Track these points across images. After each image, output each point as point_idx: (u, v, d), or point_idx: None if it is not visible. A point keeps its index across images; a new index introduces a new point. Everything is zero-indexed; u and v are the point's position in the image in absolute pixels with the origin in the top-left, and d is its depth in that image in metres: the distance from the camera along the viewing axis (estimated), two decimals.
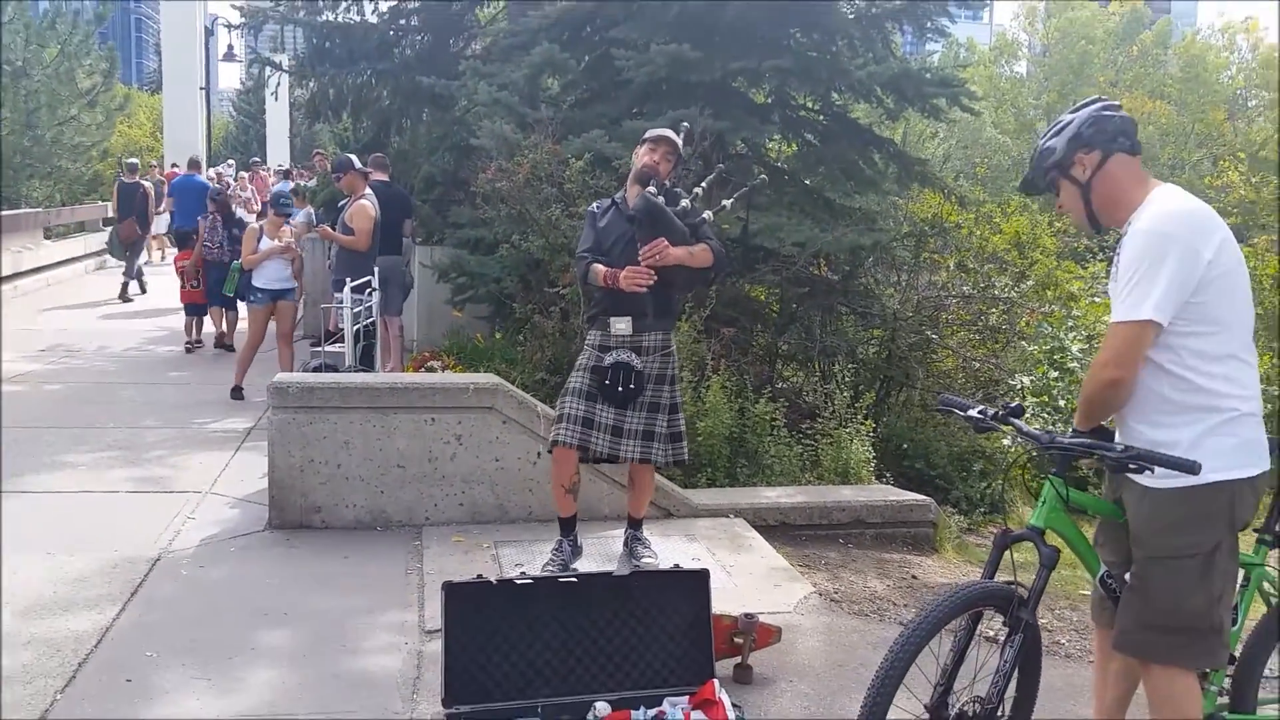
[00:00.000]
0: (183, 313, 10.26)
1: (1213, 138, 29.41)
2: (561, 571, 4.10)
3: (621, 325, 4.11)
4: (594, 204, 4.44)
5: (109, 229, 12.67)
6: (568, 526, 4.32)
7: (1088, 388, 2.59)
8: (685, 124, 4.86)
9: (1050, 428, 7.13)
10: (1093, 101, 2.63)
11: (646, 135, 4.30)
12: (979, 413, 2.73)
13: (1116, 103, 2.65)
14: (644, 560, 4.31)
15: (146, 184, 14.37)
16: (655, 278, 4.03)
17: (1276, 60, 24.26)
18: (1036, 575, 2.58)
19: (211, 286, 9.75)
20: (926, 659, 2.48)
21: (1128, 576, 2.68)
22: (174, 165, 21.57)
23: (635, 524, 4.47)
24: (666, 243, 4.00)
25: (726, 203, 4.66)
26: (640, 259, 4.01)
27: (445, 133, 10.03)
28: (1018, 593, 2.59)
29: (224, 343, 9.94)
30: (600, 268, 4.10)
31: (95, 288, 14.80)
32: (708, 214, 4.29)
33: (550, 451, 4.20)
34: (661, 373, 4.17)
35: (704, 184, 4.50)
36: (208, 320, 10.12)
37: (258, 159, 24.29)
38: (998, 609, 2.60)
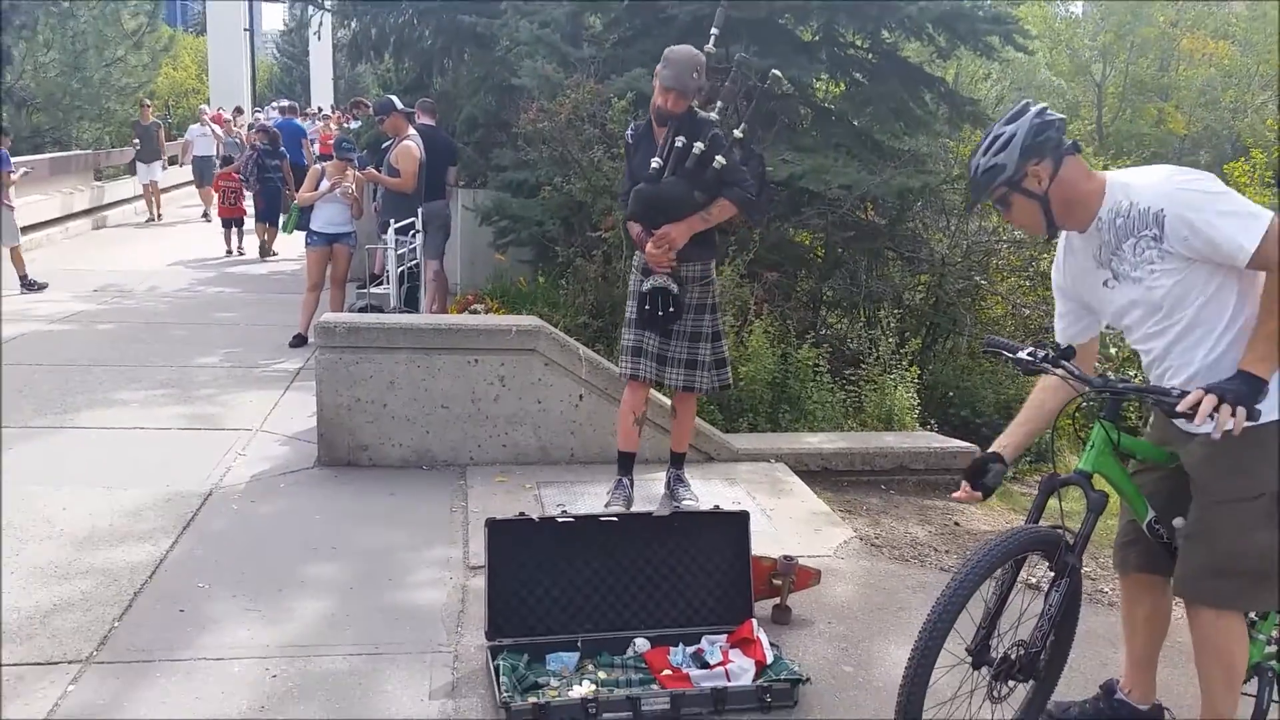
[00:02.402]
0: (221, 227, 12.96)
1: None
2: (626, 508, 4.21)
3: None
4: (629, 129, 4.39)
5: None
6: (627, 464, 4.41)
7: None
8: (710, 48, 4.43)
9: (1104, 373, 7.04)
10: (1022, 109, 2.56)
11: (661, 68, 4.09)
12: (1028, 354, 2.66)
13: (1044, 104, 2.59)
14: (685, 502, 4.35)
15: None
16: (675, 260, 4.10)
17: None
18: (1084, 520, 2.56)
19: (262, 209, 12.31)
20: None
21: (1176, 523, 2.64)
22: (220, 109, 21.72)
23: (677, 461, 4.53)
24: (672, 233, 4.05)
25: (737, 132, 4.30)
26: (647, 255, 4.11)
27: (487, 73, 9.94)
28: (1064, 538, 2.57)
29: (268, 251, 12.46)
30: (634, 226, 4.19)
31: (147, 230, 15.05)
32: (736, 133, 4.18)
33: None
34: (701, 302, 4.24)
35: (743, 126, 4.28)
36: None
37: (293, 103, 23.45)
38: (1044, 554, 2.58)
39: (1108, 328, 2.88)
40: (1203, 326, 2.50)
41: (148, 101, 17.39)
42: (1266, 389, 2.40)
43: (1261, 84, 29.20)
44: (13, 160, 10.44)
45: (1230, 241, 2.38)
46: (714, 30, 4.44)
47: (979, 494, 2.66)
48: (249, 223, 12.92)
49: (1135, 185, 2.52)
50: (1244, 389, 2.36)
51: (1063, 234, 2.74)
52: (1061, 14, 35.29)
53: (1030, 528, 2.59)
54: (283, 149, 12.73)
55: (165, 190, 17.31)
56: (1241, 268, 2.42)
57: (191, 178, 17.35)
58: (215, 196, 13.96)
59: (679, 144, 4.06)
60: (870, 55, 8.71)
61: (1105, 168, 10.33)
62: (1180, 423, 2.48)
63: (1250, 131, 23.16)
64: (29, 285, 9.61)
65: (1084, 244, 2.64)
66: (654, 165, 4.08)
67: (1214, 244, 2.40)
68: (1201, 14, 31.84)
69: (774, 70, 4.88)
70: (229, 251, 12.68)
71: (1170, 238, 2.44)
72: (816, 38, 8.51)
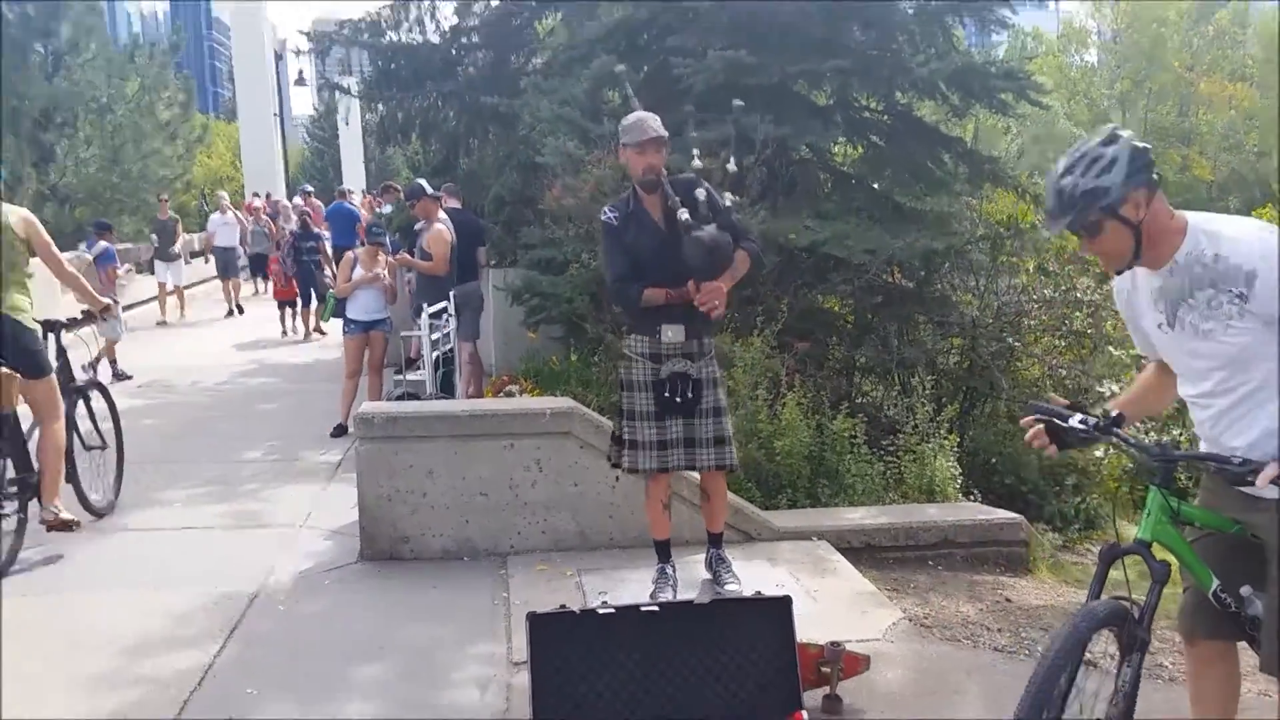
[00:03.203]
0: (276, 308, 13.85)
1: None
2: (674, 596, 4.14)
3: (672, 333, 4.06)
4: (606, 214, 4.15)
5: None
6: (665, 551, 4.36)
7: None
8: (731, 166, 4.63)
9: (1141, 436, 6.94)
10: (1114, 135, 2.50)
11: (626, 135, 4.02)
12: (1080, 422, 2.60)
13: (1129, 130, 2.57)
14: (728, 586, 4.30)
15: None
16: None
17: None
18: (1150, 591, 2.50)
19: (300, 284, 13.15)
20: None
21: (1244, 590, 2.59)
22: (254, 195, 22.22)
23: (716, 541, 4.46)
24: (723, 289, 3.96)
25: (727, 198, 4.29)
26: (699, 305, 3.95)
27: (511, 151, 10.13)
28: (1131, 610, 2.52)
29: (310, 331, 13.25)
30: (657, 292, 4.00)
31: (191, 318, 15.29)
32: (730, 197, 4.18)
33: (628, 471, 4.22)
34: (713, 376, 4.17)
35: (729, 195, 4.30)
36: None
37: (308, 188, 23.34)
38: (1114, 629, 2.53)
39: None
40: (1268, 389, 2.47)
41: (164, 196, 16.82)
42: None
43: None
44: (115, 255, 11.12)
45: None
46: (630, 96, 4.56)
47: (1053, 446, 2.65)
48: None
49: (1225, 236, 2.46)
50: None
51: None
52: (1077, 63, 35.52)
53: (1101, 603, 2.53)
54: (317, 230, 13.57)
55: (189, 286, 16.73)
56: None
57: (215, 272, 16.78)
58: (240, 288, 15.21)
59: (701, 195, 3.97)
60: (886, 117, 8.80)
61: None
62: (1244, 488, 2.45)
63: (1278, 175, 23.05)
64: (118, 375, 10.08)
65: (1148, 280, 2.59)
66: (683, 217, 3.91)
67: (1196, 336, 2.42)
68: (1217, 56, 31.92)
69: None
70: (284, 332, 13.38)
71: (1259, 298, 2.41)
72: (831, 102, 8.62)
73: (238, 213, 17.02)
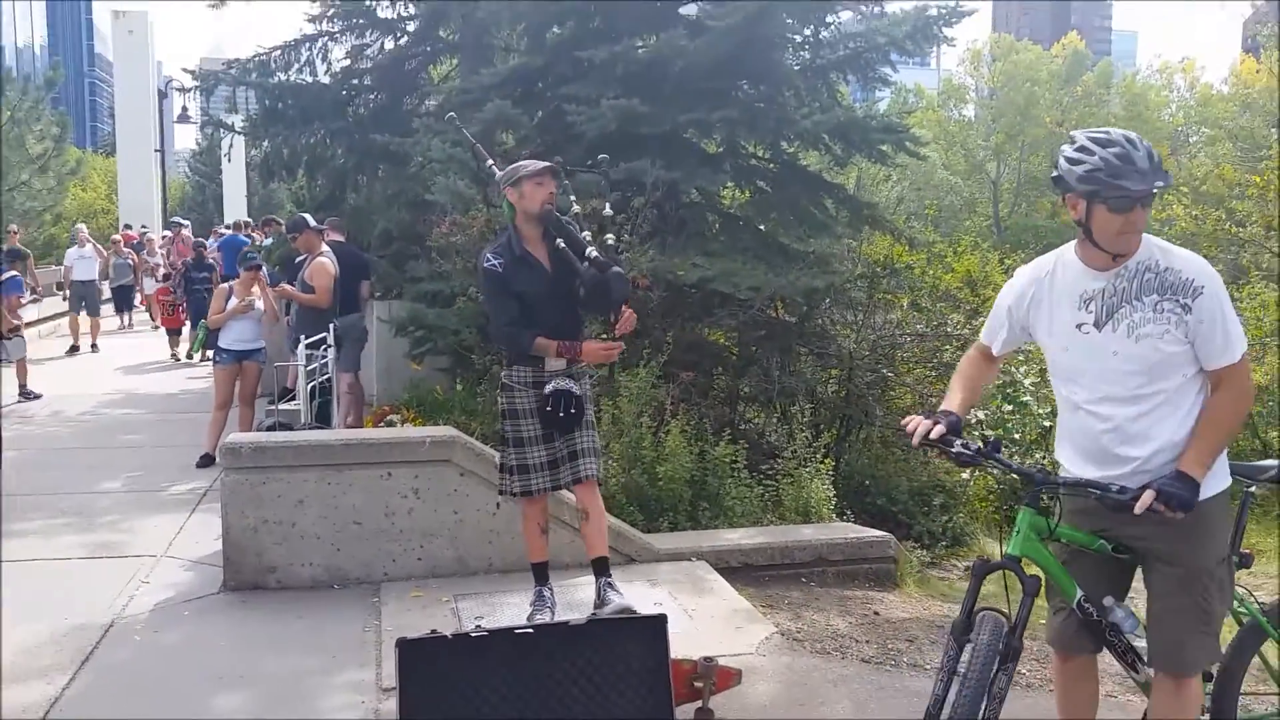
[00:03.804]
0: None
1: None
2: (552, 618, 4.09)
3: (557, 361, 4.09)
4: (490, 260, 4.07)
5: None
6: (543, 574, 4.30)
7: (1236, 423, 2.75)
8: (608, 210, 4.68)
9: (1010, 459, 7.24)
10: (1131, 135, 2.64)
11: (520, 170, 4.07)
12: (963, 446, 2.74)
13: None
14: (617, 601, 4.22)
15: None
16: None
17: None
18: (1020, 604, 2.64)
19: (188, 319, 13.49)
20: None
21: (1106, 601, 2.75)
22: (126, 227, 21.42)
23: (602, 567, 4.21)
24: (634, 314, 4.11)
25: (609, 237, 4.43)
26: (616, 334, 4.11)
27: (400, 189, 10.05)
28: (1006, 621, 2.64)
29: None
30: (549, 343, 4.03)
31: (49, 351, 14.56)
32: (587, 234, 4.26)
33: (514, 498, 4.21)
34: (587, 392, 4.21)
35: (610, 236, 4.40)
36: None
37: (177, 220, 22.11)
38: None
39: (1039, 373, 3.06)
40: (1173, 404, 2.65)
41: (14, 228, 16.00)
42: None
43: None
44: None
45: (1231, 344, 2.61)
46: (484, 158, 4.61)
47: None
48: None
49: (1176, 253, 2.66)
50: (1185, 494, 2.52)
51: (1037, 264, 2.87)
52: (955, 117, 37.30)
53: (992, 617, 2.65)
54: (210, 261, 13.85)
55: (46, 320, 16.37)
56: (1209, 369, 2.64)
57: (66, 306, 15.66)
58: (99, 327, 14.84)
59: (609, 240, 4.19)
60: (772, 165, 9.09)
61: (1003, 260, 10.86)
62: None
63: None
64: (26, 395, 10.27)
65: (1079, 281, 2.71)
66: (592, 254, 3.99)
67: (1222, 337, 2.60)
68: (1084, 113, 33.96)
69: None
70: (174, 357, 13.80)
71: (1197, 313, 2.59)
72: (720, 149, 8.86)
73: (98, 245, 16.15)
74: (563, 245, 4.04)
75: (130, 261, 16.52)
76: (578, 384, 4.12)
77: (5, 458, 7.50)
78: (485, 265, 4.09)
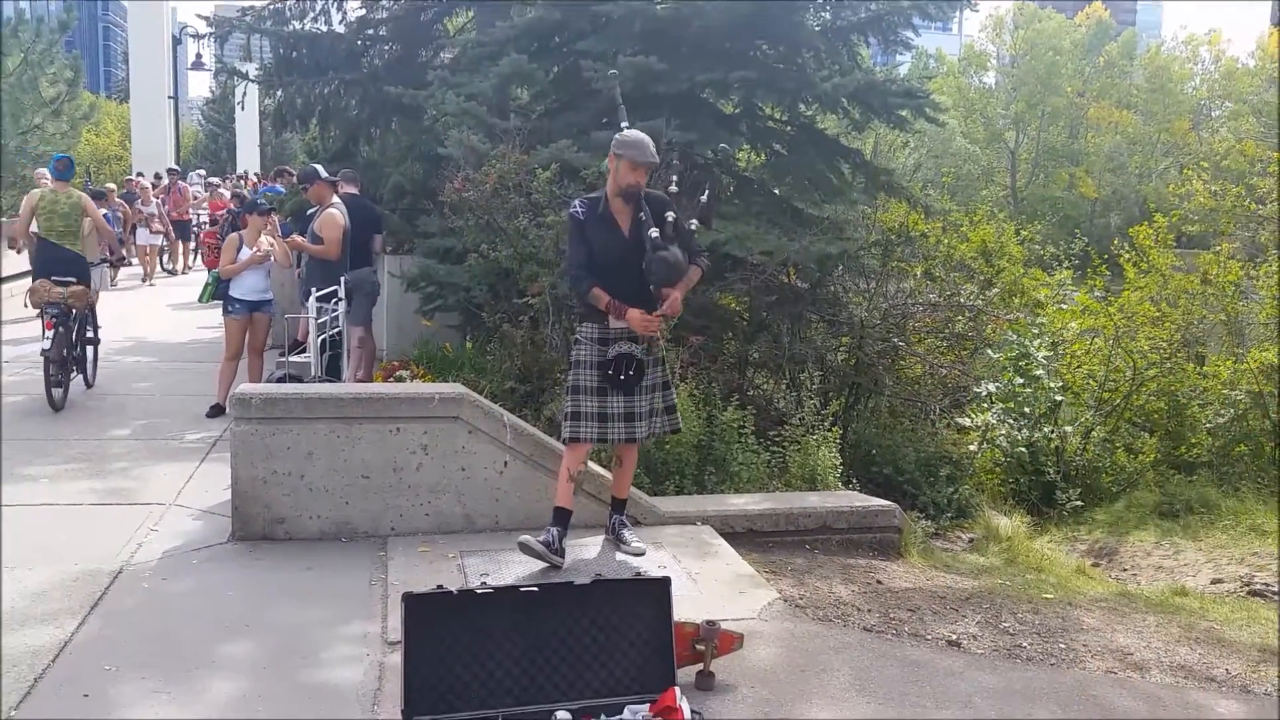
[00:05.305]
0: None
1: (1179, 146, 29.80)
2: (547, 550, 4.32)
3: (620, 322, 4.37)
4: (575, 206, 4.48)
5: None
6: (563, 518, 4.48)
7: None
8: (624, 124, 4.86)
9: (1017, 433, 7.23)
10: None
11: (628, 150, 4.33)
12: None
13: None
14: (632, 546, 4.58)
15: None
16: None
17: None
18: None
19: None
20: None
21: None
22: (139, 174, 21.37)
23: (620, 506, 4.76)
24: (679, 298, 4.40)
25: (693, 223, 4.71)
26: (643, 324, 4.34)
27: (413, 142, 10.01)
28: None
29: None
30: (603, 295, 4.34)
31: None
32: (694, 223, 4.58)
33: (565, 444, 4.50)
34: (656, 355, 4.54)
35: (695, 220, 4.64)
36: None
37: (175, 167, 22.07)
38: None
39: None
40: None
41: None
42: None
43: (1163, 150, 30.67)
44: None
45: None
46: (620, 105, 4.78)
47: None
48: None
49: None
50: None
51: None
52: (976, 84, 36.81)
53: None
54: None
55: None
56: None
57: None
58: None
59: (670, 217, 4.36)
60: (789, 127, 9.00)
61: (1019, 231, 10.77)
62: None
63: (1155, 195, 24.34)
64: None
65: None
66: (653, 234, 4.28)
67: None
68: (1106, 84, 33.51)
69: (723, 145, 5.16)
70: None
71: None
72: (737, 110, 8.77)
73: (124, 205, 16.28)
74: (645, 218, 4.34)
75: (120, 214, 16.43)
76: (640, 347, 4.41)
77: (12, 402, 7.54)
78: (570, 210, 4.51)
